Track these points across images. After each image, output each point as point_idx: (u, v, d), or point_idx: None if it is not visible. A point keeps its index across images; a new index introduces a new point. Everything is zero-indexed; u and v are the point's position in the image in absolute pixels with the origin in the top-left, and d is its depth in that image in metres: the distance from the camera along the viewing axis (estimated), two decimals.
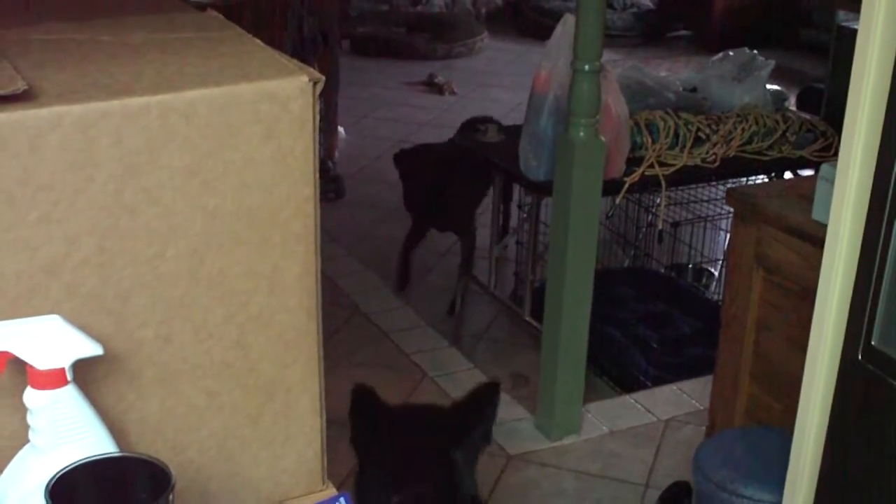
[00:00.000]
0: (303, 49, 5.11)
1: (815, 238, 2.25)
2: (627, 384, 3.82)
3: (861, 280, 1.61)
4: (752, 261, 2.57)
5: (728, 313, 2.71)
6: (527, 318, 4.00)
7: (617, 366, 3.90)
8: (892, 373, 1.55)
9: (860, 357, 1.61)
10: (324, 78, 1.26)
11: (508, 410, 3.59)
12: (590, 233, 3.27)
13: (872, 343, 1.58)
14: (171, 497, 1.02)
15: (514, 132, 3.82)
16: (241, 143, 1.23)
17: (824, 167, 2.36)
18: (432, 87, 7.68)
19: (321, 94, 1.28)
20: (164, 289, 1.23)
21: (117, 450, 1.15)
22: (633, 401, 3.68)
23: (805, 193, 2.47)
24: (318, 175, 1.32)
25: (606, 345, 3.89)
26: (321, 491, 1.43)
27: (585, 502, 3.10)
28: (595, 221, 3.30)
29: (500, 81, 7.86)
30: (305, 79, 1.24)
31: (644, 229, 4.33)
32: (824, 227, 1.71)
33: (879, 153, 1.55)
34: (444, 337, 4.14)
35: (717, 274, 4.51)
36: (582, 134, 3.13)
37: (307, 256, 1.33)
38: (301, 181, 1.29)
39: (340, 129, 6.01)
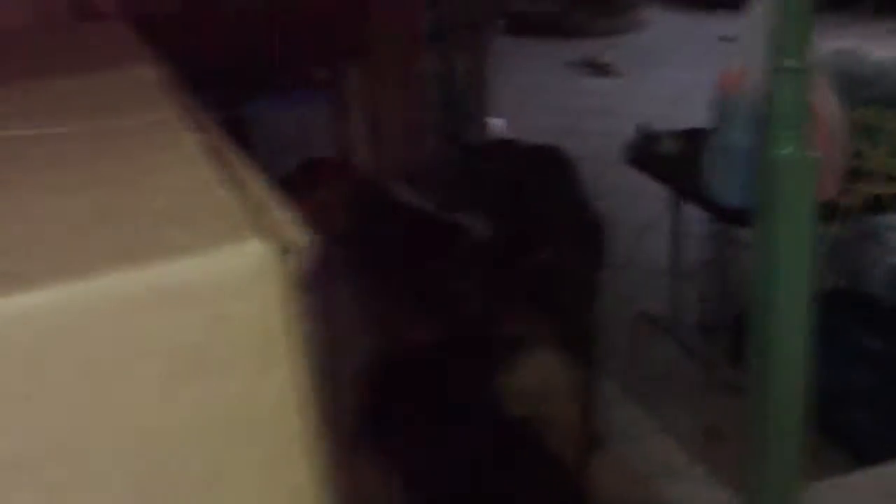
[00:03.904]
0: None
1: None
2: (857, 449, 3.00)
3: None
4: None
5: None
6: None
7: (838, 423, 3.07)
8: None
9: None
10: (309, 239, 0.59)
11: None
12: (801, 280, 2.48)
13: None
14: None
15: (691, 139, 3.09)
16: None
17: None
18: (595, 67, 6.90)
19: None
20: None
21: None
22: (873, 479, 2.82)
23: None
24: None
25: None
26: None
27: None
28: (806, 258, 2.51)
29: (669, 59, 7.02)
30: (259, 246, 0.57)
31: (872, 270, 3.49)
32: None
33: None
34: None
35: None
36: (791, 150, 2.37)
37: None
38: None
39: (500, 120, 5.32)
